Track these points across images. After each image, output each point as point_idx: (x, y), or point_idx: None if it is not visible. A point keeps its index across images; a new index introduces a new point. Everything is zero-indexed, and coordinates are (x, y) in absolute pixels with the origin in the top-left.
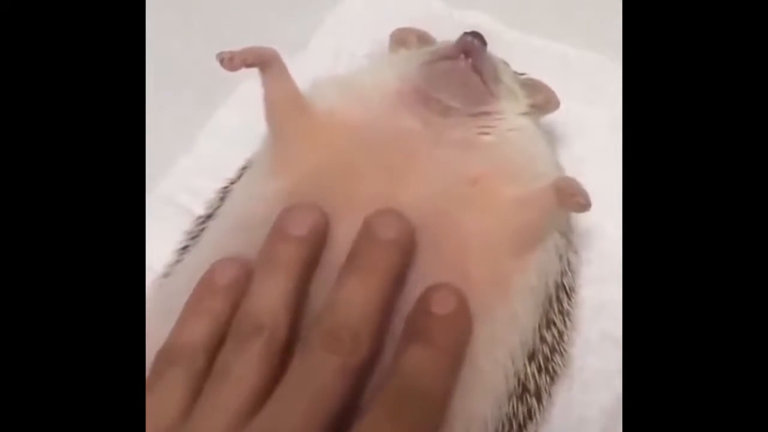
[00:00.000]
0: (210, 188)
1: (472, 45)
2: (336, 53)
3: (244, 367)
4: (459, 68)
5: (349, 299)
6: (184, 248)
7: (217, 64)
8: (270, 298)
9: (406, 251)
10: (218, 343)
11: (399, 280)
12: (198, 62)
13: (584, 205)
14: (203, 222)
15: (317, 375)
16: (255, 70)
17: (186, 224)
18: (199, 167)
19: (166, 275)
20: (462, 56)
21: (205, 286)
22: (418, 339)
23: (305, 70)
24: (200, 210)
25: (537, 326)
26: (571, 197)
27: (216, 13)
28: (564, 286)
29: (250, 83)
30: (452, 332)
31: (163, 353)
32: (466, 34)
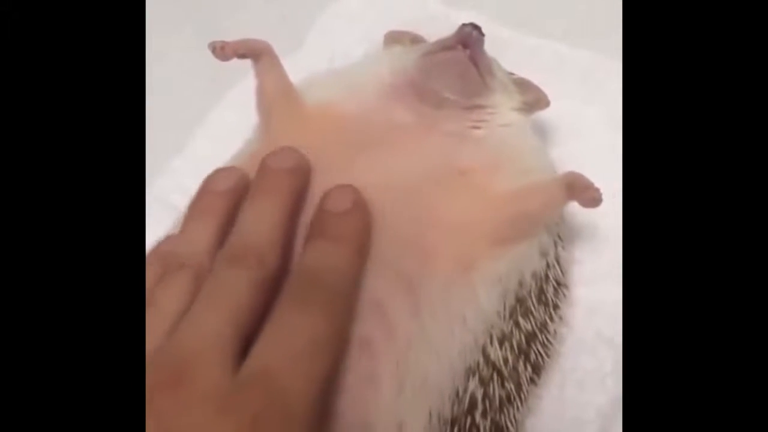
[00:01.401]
0: None
1: (471, 36)
2: (331, 53)
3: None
4: (457, 58)
5: (250, 221)
6: None
7: (211, 66)
8: (259, 223)
9: (301, 177)
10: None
11: (297, 203)
12: (192, 63)
13: (598, 200)
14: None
15: (226, 288)
16: (249, 70)
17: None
18: (192, 168)
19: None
20: (460, 47)
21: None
22: (316, 236)
23: (300, 71)
24: None
25: (508, 312)
26: (584, 191)
27: (211, 14)
28: (550, 279)
29: (244, 84)
30: (348, 225)
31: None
32: (464, 25)
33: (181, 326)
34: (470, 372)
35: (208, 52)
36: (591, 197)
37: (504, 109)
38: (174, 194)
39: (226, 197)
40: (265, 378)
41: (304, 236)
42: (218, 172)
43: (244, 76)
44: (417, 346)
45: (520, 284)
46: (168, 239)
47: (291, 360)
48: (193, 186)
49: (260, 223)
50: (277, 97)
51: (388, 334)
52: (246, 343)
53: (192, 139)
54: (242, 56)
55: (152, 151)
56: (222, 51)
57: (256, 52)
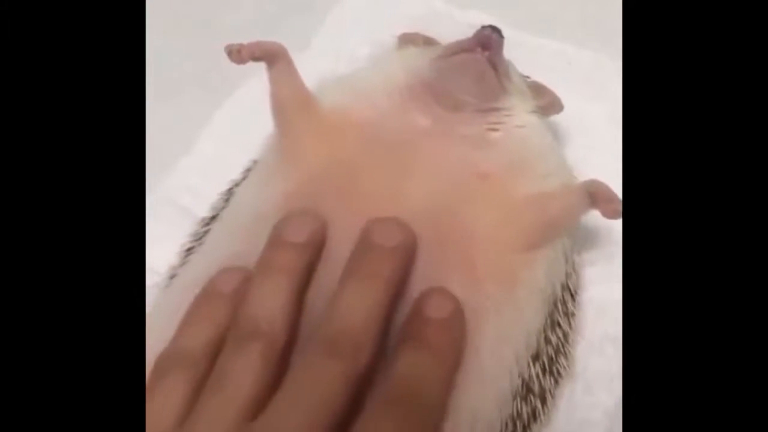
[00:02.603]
0: (210, 189)
1: (490, 39)
2: (337, 53)
3: (242, 371)
4: (476, 60)
5: (349, 306)
6: (189, 250)
7: (218, 65)
8: (268, 302)
9: (407, 258)
10: (219, 349)
11: (399, 286)
12: (198, 63)
13: (620, 212)
14: (207, 224)
15: (318, 381)
16: (256, 70)
17: (186, 225)
18: (199, 167)
19: (171, 277)
20: (479, 49)
21: (207, 293)
22: (413, 343)
23: (307, 71)
24: (200, 211)
25: (542, 327)
26: (608, 203)
27: (217, 13)
28: (569, 288)
29: (251, 84)
30: (447, 336)
31: (164, 357)
32: (484, 27)
33: (263, 423)
34: (513, 396)
35: (214, 52)
36: (614, 209)
37: (520, 111)
38: (181, 194)
39: (304, 251)
40: None
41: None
42: (292, 220)
43: (250, 75)
44: (474, 382)
45: (552, 293)
46: (227, 276)
47: None
48: (199, 186)
49: (360, 307)
50: (292, 103)
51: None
52: None
53: (199, 139)
54: (257, 59)
55: (159, 151)
56: (238, 55)
57: (271, 56)
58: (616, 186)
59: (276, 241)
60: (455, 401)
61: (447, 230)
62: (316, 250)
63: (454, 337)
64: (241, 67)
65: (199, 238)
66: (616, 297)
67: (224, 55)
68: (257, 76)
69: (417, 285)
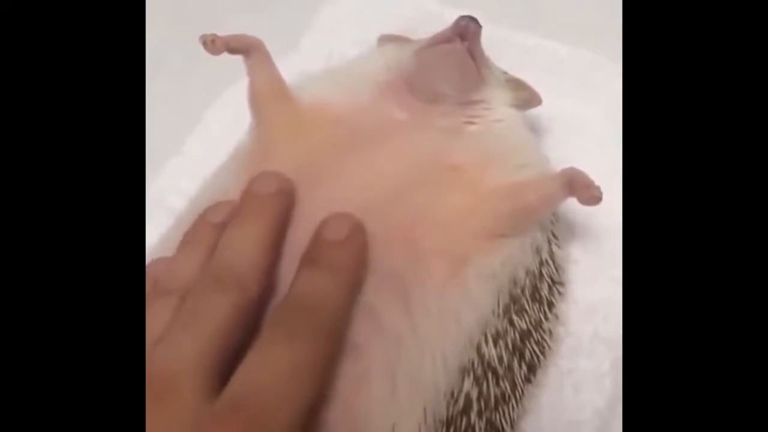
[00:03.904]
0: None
1: (468, 28)
2: (327, 53)
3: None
4: (455, 50)
5: (232, 245)
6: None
7: (207, 67)
8: (240, 245)
9: (285, 201)
10: None
11: (281, 227)
12: (188, 63)
13: (598, 198)
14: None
15: (206, 311)
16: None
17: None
18: (188, 169)
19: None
20: (458, 39)
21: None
22: (310, 263)
23: (296, 71)
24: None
25: (502, 309)
26: (585, 189)
27: (206, 14)
28: (545, 277)
29: (240, 85)
30: (343, 254)
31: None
32: (461, 17)
33: (157, 349)
34: (465, 371)
35: (204, 53)
36: (591, 195)
37: (498, 104)
38: (170, 196)
39: (219, 229)
40: (245, 404)
41: (290, 258)
42: (215, 206)
43: (239, 76)
44: (409, 345)
45: (514, 281)
46: (157, 262)
47: (274, 387)
48: (189, 187)
49: (242, 246)
50: (268, 94)
51: (377, 334)
52: (226, 368)
53: (188, 141)
54: (233, 51)
55: (149, 152)
56: (213, 45)
57: (246, 48)
58: (613, 186)
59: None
60: (387, 359)
61: (402, 210)
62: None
63: (351, 255)
64: (230, 68)
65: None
66: (604, 296)
67: (213, 57)
68: (246, 77)
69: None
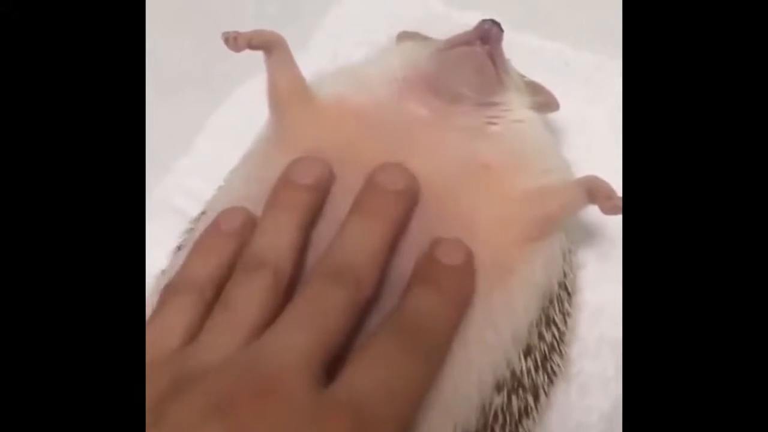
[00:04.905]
0: (206, 190)
1: (490, 32)
2: (334, 54)
3: (248, 298)
4: (476, 53)
5: (354, 241)
6: (179, 248)
7: (216, 66)
8: (275, 237)
9: (409, 203)
10: (224, 279)
11: (401, 230)
12: (196, 63)
13: (620, 208)
14: (198, 220)
15: (320, 305)
16: (254, 70)
17: (182, 226)
18: (196, 169)
19: (164, 272)
20: (479, 42)
21: (212, 230)
22: (425, 282)
23: (304, 72)
24: (196, 212)
25: (535, 322)
26: (607, 199)
27: (214, 14)
28: (566, 288)
29: (249, 84)
30: (458, 283)
31: (170, 286)
32: (484, 20)
33: (268, 338)
34: (498, 386)
35: (211, 53)
36: (613, 205)
37: (518, 106)
38: (177, 196)
39: (315, 192)
40: (357, 406)
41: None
42: (301, 164)
43: (248, 76)
44: (456, 362)
45: (549, 290)
46: (232, 214)
47: (387, 397)
48: (196, 187)
49: (360, 243)
50: (290, 91)
51: None
52: (331, 364)
53: (195, 140)
54: (255, 47)
55: (155, 152)
56: (235, 42)
57: (269, 45)
58: (617, 187)
59: (284, 182)
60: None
61: (449, 213)
62: (322, 192)
63: (463, 285)
64: (239, 67)
65: (192, 228)
66: (611, 299)
67: (222, 56)
68: (256, 76)
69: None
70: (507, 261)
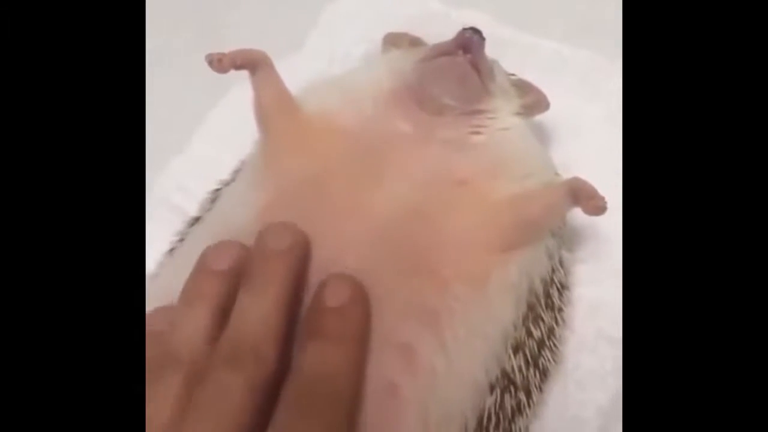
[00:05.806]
0: (203, 188)
1: (471, 40)
2: (331, 54)
3: (163, 399)
4: (457, 63)
5: (246, 314)
6: (172, 251)
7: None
8: (255, 316)
9: (299, 259)
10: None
11: (295, 288)
12: (192, 63)
13: (603, 208)
14: (193, 224)
15: (221, 395)
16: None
17: (179, 226)
18: (192, 168)
19: (155, 276)
20: (460, 52)
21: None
22: (313, 335)
23: (300, 71)
24: (194, 210)
25: (521, 320)
26: (589, 200)
27: (210, 14)
28: (555, 283)
29: (244, 85)
30: (346, 322)
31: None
32: (464, 29)
33: None
34: (491, 387)
35: (208, 51)
36: (596, 206)
37: (503, 113)
38: (175, 194)
39: (225, 277)
40: None
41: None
42: (216, 248)
43: (244, 75)
44: (443, 377)
45: (530, 290)
46: (159, 312)
47: None
48: (193, 186)
49: (256, 314)
50: (274, 109)
51: (413, 370)
52: None
53: (192, 139)
54: (240, 67)
55: (153, 151)
56: (219, 64)
57: (253, 63)
58: (613, 185)
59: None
60: (422, 397)
61: (416, 236)
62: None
63: (353, 322)
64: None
65: (182, 238)
66: (607, 295)
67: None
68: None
69: (384, 292)
70: (482, 270)
